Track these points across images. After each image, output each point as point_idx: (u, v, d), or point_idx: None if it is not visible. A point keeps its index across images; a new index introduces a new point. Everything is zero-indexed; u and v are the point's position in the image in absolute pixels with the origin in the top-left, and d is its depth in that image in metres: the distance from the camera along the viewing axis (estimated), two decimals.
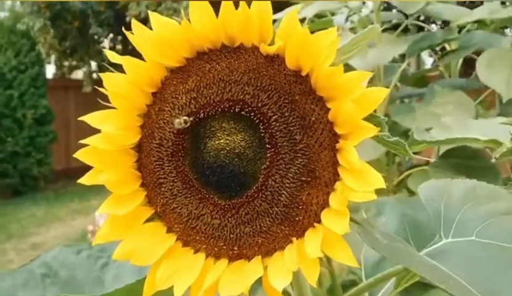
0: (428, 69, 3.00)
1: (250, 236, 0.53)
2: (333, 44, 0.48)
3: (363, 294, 0.83)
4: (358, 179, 0.49)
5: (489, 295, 0.53)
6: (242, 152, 0.52)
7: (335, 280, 1.22)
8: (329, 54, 0.48)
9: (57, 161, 8.98)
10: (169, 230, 0.56)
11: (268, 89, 0.51)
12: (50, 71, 10.84)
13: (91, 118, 0.54)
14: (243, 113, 0.52)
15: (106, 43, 11.83)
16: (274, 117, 0.51)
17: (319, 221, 0.52)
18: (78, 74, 11.53)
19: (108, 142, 0.54)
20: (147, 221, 0.57)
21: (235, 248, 0.54)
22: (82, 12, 9.71)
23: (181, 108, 0.54)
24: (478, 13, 1.87)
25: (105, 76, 0.53)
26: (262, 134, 0.52)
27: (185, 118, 0.53)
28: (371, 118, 0.51)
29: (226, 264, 0.54)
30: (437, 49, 3.15)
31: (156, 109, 0.55)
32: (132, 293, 0.59)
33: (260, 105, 0.51)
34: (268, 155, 0.52)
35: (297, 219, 0.52)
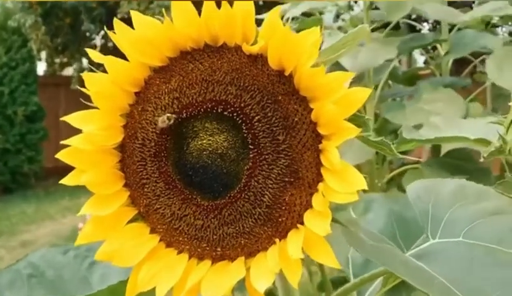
0: (419, 68, 3.01)
1: (233, 237, 0.53)
2: (315, 43, 0.48)
3: (351, 293, 0.83)
4: (340, 180, 0.49)
5: (469, 293, 0.53)
6: (224, 152, 0.52)
7: (325, 277, 1.22)
8: (311, 54, 0.48)
9: (47, 158, 8.94)
10: (152, 231, 0.56)
11: (251, 89, 0.51)
12: (41, 68, 10.78)
13: (73, 119, 0.54)
14: (225, 113, 0.51)
15: (98, 40, 11.79)
16: (256, 117, 0.51)
17: (302, 222, 0.52)
18: (69, 71, 11.48)
19: (89, 142, 0.53)
20: (131, 221, 0.56)
21: (219, 249, 0.54)
22: (74, 8, 9.67)
23: (163, 108, 0.53)
24: (480, 11, 1.87)
25: (86, 76, 0.53)
26: (245, 135, 0.51)
27: (168, 115, 0.53)
28: (355, 118, 0.50)
29: (209, 265, 0.53)
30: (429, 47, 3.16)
31: (139, 109, 0.55)
32: (116, 294, 0.59)
33: (242, 105, 0.51)
34: (251, 155, 0.51)
35: (280, 220, 0.52)
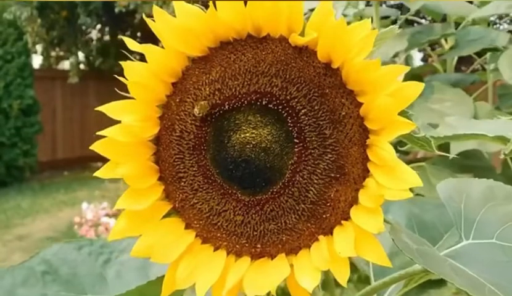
0: (423, 66, 3.00)
1: (275, 233, 0.52)
2: (369, 36, 0.46)
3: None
4: (392, 176, 0.47)
5: None
6: (268, 146, 0.50)
7: (329, 275, 1.20)
8: (363, 47, 0.46)
9: (42, 152, 8.90)
10: (188, 227, 0.54)
11: (297, 82, 0.49)
12: (36, 61, 10.72)
13: (110, 109, 0.52)
14: (270, 106, 0.50)
15: (94, 34, 11.74)
16: (303, 111, 0.49)
17: (346, 219, 0.50)
18: (65, 65, 11.43)
19: (127, 134, 0.51)
20: (164, 216, 0.55)
21: (258, 246, 0.52)
22: (70, 1, 9.62)
23: (204, 100, 0.52)
24: (492, 8, 1.86)
25: (126, 65, 0.51)
26: (290, 128, 0.50)
27: (202, 102, 0.51)
28: (400, 113, 0.49)
29: (249, 262, 0.52)
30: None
31: (177, 100, 0.53)
32: (145, 294, 0.57)
33: (288, 98, 0.49)
34: (296, 150, 0.50)
35: (324, 216, 0.50)
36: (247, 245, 0.52)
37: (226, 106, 0.51)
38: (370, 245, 0.47)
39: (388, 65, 0.46)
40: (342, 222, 0.50)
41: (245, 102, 0.50)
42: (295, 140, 0.50)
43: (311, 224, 0.51)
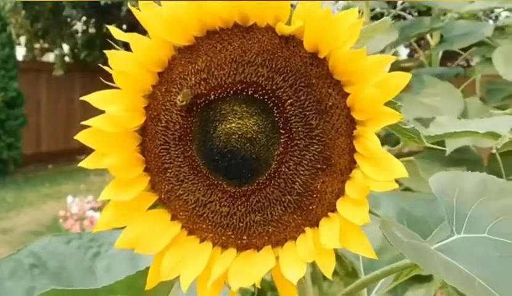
0: (409, 60, 3.01)
1: (261, 225, 0.51)
2: (355, 26, 0.46)
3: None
4: (378, 167, 0.47)
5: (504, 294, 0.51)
6: (254, 136, 0.50)
7: (316, 268, 1.21)
8: (350, 36, 0.46)
9: (27, 144, 8.82)
10: (173, 218, 0.54)
11: (283, 72, 0.49)
12: (20, 53, 10.61)
13: (93, 98, 0.51)
14: (256, 96, 0.49)
15: (79, 26, 11.64)
16: (289, 101, 0.49)
17: (333, 210, 0.50)
18: (50, 57, 11.33)
19: (112, 124, 0.51)
20: (150, 208, 0.54)
21: (244, 237, 0.52)
22: None
23: (189, 89, 0.51)
24: (486, 2, 1.87)
25: (110, 54, 0.50)
26: (276, 119, 0.49)
27: (184, 90, 0.51)
28: (387, 104, 0.49)
29: (235, 253, 0.51)
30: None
31: (163, 90, 0.53)
32: (133, 285, 0.57)
33: (274, 87, 0.49)
34: (282, 140, 0.49)
35: (310, 208, 0.50)
36: (232, 236, 0.52)
37: (212, 96, 0.50)
38: (356, 237, 0.47)
39: (374, 55, 0.46)
40: (329, 214, 0.50)
41: (231, 91, 0.50)
42: (281, 131, 0.49)
43: (297, 216, 0.50)
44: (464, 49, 2.43)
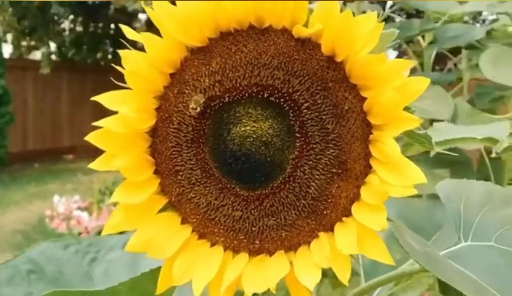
0: None
1: (274, 229, 0.51)
2: (375, 30, 0.45)
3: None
4: (395, 172, 0.47)
5: None
6: (269, 140, 0.49)
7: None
8: (369, 41, 0.46)
9: (13, 143, 8.73)
10: (183, 221, 0.53)
11: (300, 75, 0.48)
12: (6, 50, 10.51)
13: (105, 99, 0.50)
14: (272, 99, 0.49)
15: (66, 24, 11.56)
16: (305, 104, 0.48)
17: (347, 215, 0.50)
18: (37, 55, 11.23)
19: (123, 125, 0.50)
20: (159, 211, 0.53)
21: (257, 242, 0.51)
22: None
23: (203, 91, 0.50)
24: (475, 5, 1.88)
25: (124, 54, 0.49)
26: (291, 122, 0.49)
27: (196, 96, 0.50)
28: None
29: (247, 258, 0.51)
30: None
31: (175, 91, 0.52)
32: (136, 287, 0.56)
33: (291, 91, 0.48)
34: (297, 144, 0.49)
35: (324, 212, 0.50)
36: (245, 241, 0.51)
37: (226, 99, 0.50)
38: (373, 242, 0.47)
39: (393, 59, 0.45)
40: (343, 219, 0.50)
41: (246, 94, 0.49)
42: (297, 135, 0.49)
43: (311, 221, 0.50)
44: (454, 53, 2.44)
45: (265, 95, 0.49)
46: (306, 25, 0.48)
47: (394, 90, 0.45)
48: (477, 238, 0.63)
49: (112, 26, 11.46)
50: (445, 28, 2.12)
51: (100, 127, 0.50)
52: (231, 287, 0.49)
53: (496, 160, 1.71)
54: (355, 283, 0.77)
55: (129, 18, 10.39)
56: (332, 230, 0.50)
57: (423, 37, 2.29)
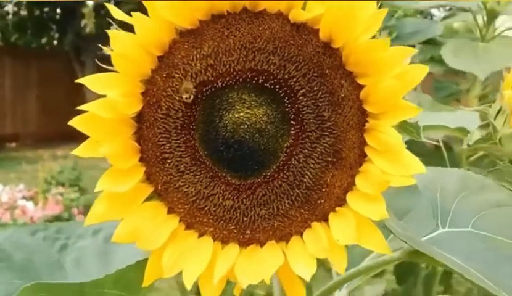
0: None
1: (265, 219, 0.49)
2: (377, 15, 0.44)
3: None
4: (393, 162, 0.46)
5: (497, 285, 0.52)
6: (263, 127, 0.47)
7: None
8: (370, 26, 0.45)
9: None
10: (170, 211, 0.51)
11: (296, 60, 0.47)
12: None
13: (90, 82, 0.47)
14: (267, 84, 0.47)
15: (10, 7, 11.16)
16: (301, 91, 0.47)
17: (340, 205, 0.49)
18: None
19: (110, 110, 0.47)
20: (145, 200, 0.51)
21: (248, 232, 0.50)
22: None
23: (194, 76, 0.48)
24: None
25: (112, 34, 0.46)
26: (287, 109, 0.47)
27: (186, 83, 0.48)
28: None
29: (238, 249, 0.49)
30: None
31: (164, 75, 0.49)
32: (121, 279, 0.54)
33: (286, 77, 0.47)
34: (292, 132, 0.48)
35: (318, 202, 0.49)
36: (235, 231, 0.50)
37: (219, 84, 0.48)
38: (370, 232, 0.46)
39: (394, 46, 0.45)
40: (336, 208, 0.49)
41: (240, 79, 0.47)
42: (292, 122, 0.47)
43: (304, 210, 0.49)
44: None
45: (260, 81, 0.47)
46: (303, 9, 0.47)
47: (394, 78, 0.45)
48: (455, 225, 0.64)
49: (58, 10, 11.14)
50: (403, 24, 2.15)
51: (85, 112, 0.47)
52: (223, 278, 0.47)
53: (451, 153, 1.76)
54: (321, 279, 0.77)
55: (76, 2, 10.11)
56: (324, 220, 0.49)
57: (379, 33, 2.32)
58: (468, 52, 1.67)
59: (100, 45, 0.47)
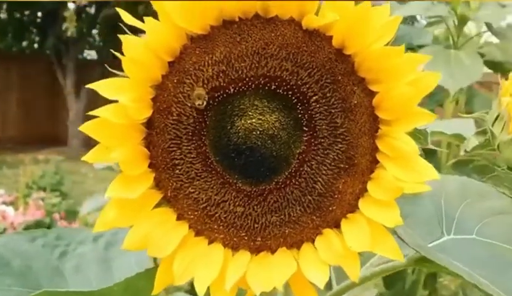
0: None
1: (277, 226, 0.49)
2: (392, 22, 0.45)
3: None
4: (406, 168, 0.46)
5: (505, 292, 0.53)
6: (275, 133, 0.47)
7: None
8: (384, 33, 0.45)
9: None
10: (180, 218, 0.50)
11: (309, 67, 0.47)
12: None
13: (101, 87, 0.46)
14: (279, 91, 0.47)
15: None
16: (314, 98, 0.47)
17: (352, 211, 0.49)
18: None
19: (121, 115, 0.47)
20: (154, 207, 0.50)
21: (259, 239, 0.49)
22: None
23: (206, 82, 0.48)
24: (412, 9, 1.93)
25: (124, 39, 0.46)
26: (299, 116, 0.47)
27: (198, 90, 0.48)
28: None
29: (249, 256, 0.49)
30: None
31: (175, 81, 0.49)
32: (130, 288, 0.53)
33: (299, 83, 0.47)
34: (305, 138, 0.47)
35: (330, 209, 0.49)
36: (246, 238, 0.49)
37: (231, 90, 0.47)
38: (383, 239, 0.46)
39: (407, 53, 0.45)
40: (348, 215, 0.49)
41: (253, 85, 0.47)
42: (305, 129, 0.47)
43: (316, 217, 0.49)
44: None
45: (272, 87, 0.47)
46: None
47: (408, 84, 0.45)
48: (460, 232, 0.65)
49: (39, 13, 11.04)
50: None
51: (96, 117, 0.46)
52: (235, 286, 0.47)
53: (432, 157, 1.78)
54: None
55: (58, 5, 10.03)
56: (336, 226, 0.49)
57: None
58: (440, 61, 1.67)
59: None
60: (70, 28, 9.66)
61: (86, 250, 0.72)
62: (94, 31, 11.89)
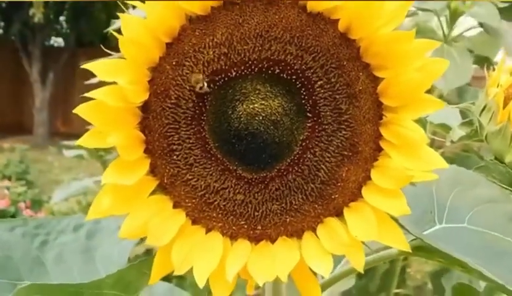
0: None
1: (277, 214, 0.48)
2: (402, 6, 0.43)
3: None
4: (412, 156, 0.45)
5: (500, 279, 0.52)
6: (278, 119, 0.46)
7: None
8: (393, 18, 0.44)
9: None
10: (176, 205, 0.49)
11: (314, 51, 0.46)
12: None
13: (97, 67, 0.44)
14: (283, 75, 0.46)
15: None
16: (319, 83, 0.46)
17: (354, 200, 0.48)
18: None
19: (117, 98, 0.44)
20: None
21: (258, 227, 0.48)
22: None
23: (206, 64, 0.46)
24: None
25: (124, 18, 0.44)
26: (303, 101, 0.46)
27: (195, 76, 0.46)
28: None
29: (249, 245, 0.47)
30: None
31: (173, 63, 0.47)
32: (121, 280, 0.51)
33: (304, 67, 0.45)
34: (308, 124, 0.46)
35: (332, 197, 0.47)
36: (245, 226, 0.48)
37: (233, 73, 0.46)
38: (389, 228, 0.45)
39: (419, 39, 0.44)
40: (350, 203, 0.48)
41: (255, 69, 0.46)
42: (308, 114, 0.46)
43: (318, 205, 0.48)
44: None
45: (276, 71, 0.45)
46: None
47: (416, 70, 0.44)
48: (451, 221, 0.64)
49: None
50: None
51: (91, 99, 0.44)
52: (235, 276, 0.45)
53: None
54: None
55: None
56: (337, 215, 0.48)
57: None
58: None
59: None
60: (36, 14, 9.45)
61: (67, 239, 0.70)
62: (62, 18, 11.68)
